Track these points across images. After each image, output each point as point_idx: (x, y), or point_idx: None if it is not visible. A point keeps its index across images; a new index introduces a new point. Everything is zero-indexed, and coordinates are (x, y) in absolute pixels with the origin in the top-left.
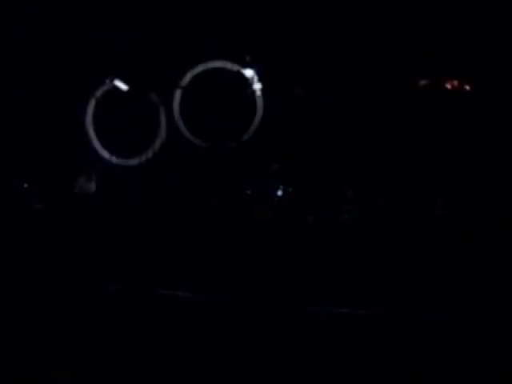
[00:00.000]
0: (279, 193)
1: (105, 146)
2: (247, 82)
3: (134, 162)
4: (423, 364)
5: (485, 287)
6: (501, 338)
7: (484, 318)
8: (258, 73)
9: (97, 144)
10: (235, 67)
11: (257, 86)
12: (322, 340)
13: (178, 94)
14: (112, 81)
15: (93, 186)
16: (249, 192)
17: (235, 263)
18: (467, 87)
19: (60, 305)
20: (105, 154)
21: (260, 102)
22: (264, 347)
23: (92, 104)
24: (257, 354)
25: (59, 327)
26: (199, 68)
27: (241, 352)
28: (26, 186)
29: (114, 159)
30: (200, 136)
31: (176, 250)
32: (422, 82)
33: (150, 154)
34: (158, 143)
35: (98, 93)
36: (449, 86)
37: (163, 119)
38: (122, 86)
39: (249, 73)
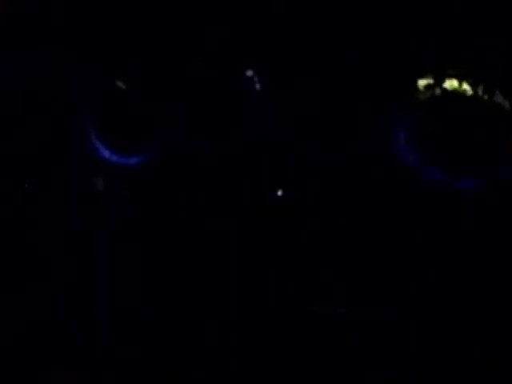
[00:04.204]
0: (279, 193)
1: (105, 145)
2: (247, 82)
3: (134, 160)
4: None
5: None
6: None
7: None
8: (258, 73)
9: (97, 143)
10: (235, 67)
11: (257, 86)
12: (322, 340)
13: (178, 93)
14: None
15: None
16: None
17: (235, 263)
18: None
19: (60, 304)
20: (105, 153)
21: (260, 102)
22: (264, 347)
23: (92, 104)
24: (256, 353)
25: (59, 327)
26: (199, 68)
27: (240, 352)
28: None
29: (114, 158)
30: (199, 136)
31: (176, 249)
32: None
33: (150, 153)
34: (158, 142)
35: (98, 92)
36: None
37: (163, 118)
38: (122, 86)
39: (249, 73)
